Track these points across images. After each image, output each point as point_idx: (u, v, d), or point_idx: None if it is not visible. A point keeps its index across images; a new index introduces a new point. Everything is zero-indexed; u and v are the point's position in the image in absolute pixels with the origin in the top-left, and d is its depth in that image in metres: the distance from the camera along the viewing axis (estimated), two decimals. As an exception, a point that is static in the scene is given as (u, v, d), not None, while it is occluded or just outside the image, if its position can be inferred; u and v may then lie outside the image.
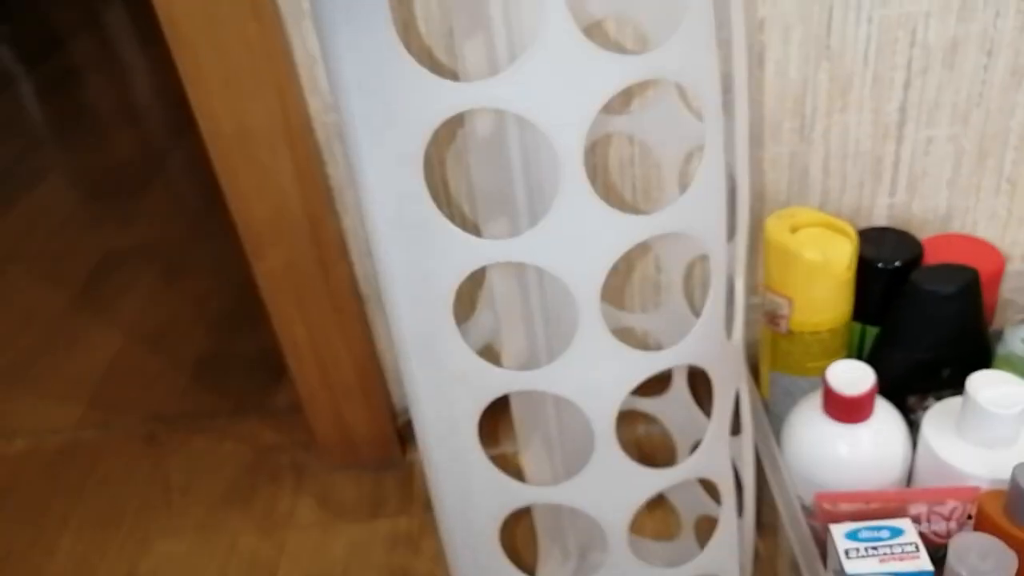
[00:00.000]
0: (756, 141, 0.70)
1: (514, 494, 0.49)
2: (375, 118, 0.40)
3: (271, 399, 0.99)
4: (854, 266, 0.61)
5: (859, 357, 0.63)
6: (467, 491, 0.50)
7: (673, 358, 0.47)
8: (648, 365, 0.46)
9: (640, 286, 0.79)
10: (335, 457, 0.87)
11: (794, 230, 0.62)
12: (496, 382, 0.45)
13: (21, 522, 0.88)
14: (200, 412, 0.99)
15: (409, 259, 0.44)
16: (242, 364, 1.05)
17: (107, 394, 1.05)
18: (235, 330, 1.12)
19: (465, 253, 0.41)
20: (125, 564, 0.82)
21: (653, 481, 0.48)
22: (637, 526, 0.76)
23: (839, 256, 0.60)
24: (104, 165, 1.63)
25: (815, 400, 0.59)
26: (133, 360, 1.10)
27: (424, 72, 0.38)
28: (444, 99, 0.38)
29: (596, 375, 0.44)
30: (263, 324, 0.80)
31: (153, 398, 1.03)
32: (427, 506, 0.82)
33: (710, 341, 0.48)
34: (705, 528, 0.66)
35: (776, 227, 0.62)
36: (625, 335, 0.68)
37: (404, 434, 0.87)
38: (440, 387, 0.47)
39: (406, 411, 0.87)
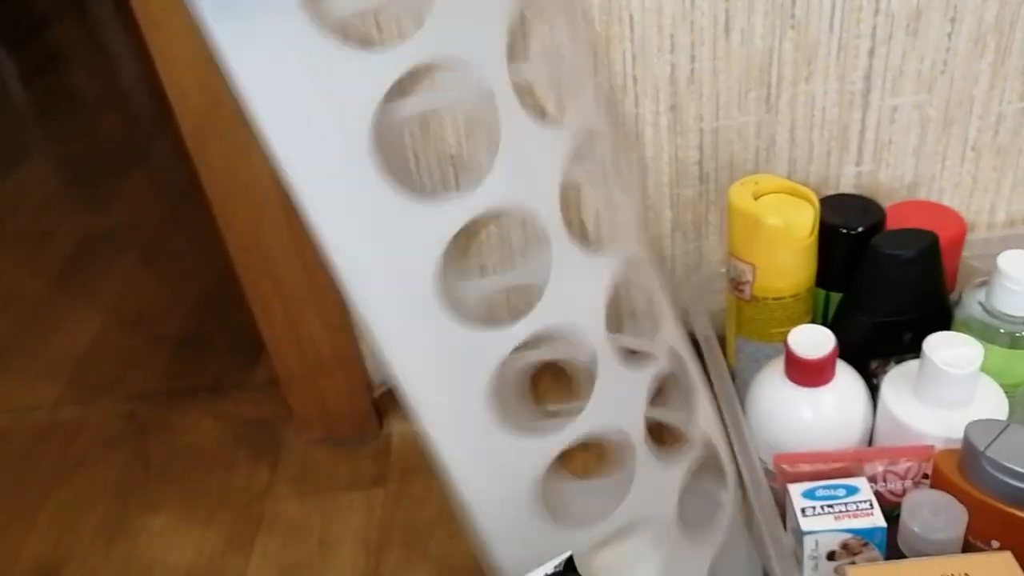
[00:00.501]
0: (724, 111, 0.71)
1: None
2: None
3: (249, 376, 0.99)
4: (816, 231, 0.61)
5: (824, 323, 0.64)
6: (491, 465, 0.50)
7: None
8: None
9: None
10: (313, 431, 0.88)
11: (757, 197, 0.62)
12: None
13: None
14: (179, 390, 0.99)
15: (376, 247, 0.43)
16: (221, 342, 1.06)
17: (87, 373, 1.05)
18: (214, 309, 1.12)
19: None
20: (103, 541, 0.82)
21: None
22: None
23: (801, 221, 0.61)
24: (86, 149, 1.62)
25: (778, 365, 0.60)
26: (113, 340, 1.10)
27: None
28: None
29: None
30: (241, 303, 0.80)
31: (133, 377, 1.03)
32: (404, 478, 0.83)
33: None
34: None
35: (739, 194, 0.62)
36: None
37: (381, 407, 0.87)
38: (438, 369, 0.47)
39: (382, 384, 0.87)
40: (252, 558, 0.78)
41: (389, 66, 0.37)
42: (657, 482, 0.55)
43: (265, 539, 0.80)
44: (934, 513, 0.48)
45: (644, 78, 0.69)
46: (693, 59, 0.68)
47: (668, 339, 0.55)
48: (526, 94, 0.53)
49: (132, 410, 0.98)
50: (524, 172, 0.44)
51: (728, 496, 0.59)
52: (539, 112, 0.52)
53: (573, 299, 0.49)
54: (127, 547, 0.81)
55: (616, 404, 0.51)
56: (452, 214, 0.43)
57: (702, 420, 0.57)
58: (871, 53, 0.68)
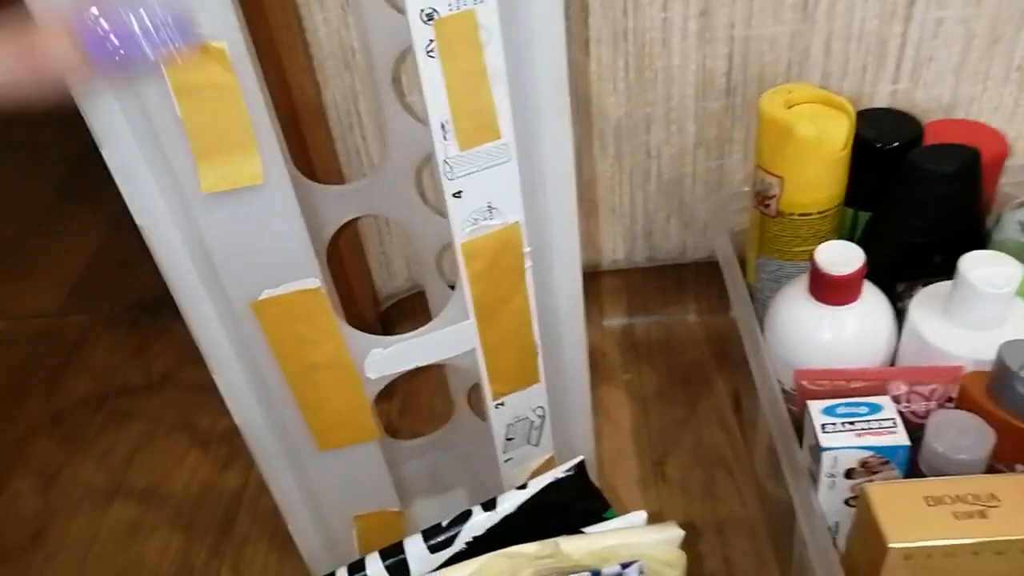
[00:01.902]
0: (758, 18, 0.67)
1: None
2: None
3: (254, 287, 0.98)
4: (849, 144, 0.58)
5: (850, 243, 0.61)
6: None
7: None
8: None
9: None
10: (317, 344, 0.86)
11: (790, 106, 0.59)
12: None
13: (0, 402, 0.87)
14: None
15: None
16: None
17: (91, 281, 1.04)
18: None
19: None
20: (103, 447, 0.82)
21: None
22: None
23: (835, 133, 0.58)
24: (90, 57, 1.58)
25: (802, 283, 0.57)
26: (117, 249, 1.08)
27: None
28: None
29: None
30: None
31: (137, 286, 1.01)
32: (410, 392, 0.82)
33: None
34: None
35: (771, 102, 0.59)
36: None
37: (387, 320, 0.86)
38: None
39: (389, 298, 0.86)
40: (252, 472, 0.77)
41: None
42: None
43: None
44: (960, 433, 0.46)
45: (675, -21, 0.65)
46: None
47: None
48: None
49: (135, 318, 0.96)
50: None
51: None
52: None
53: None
54: (128, 453, 0.81)
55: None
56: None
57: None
58: (919, -41, 0.64)
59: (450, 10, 0.37)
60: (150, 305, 0.98)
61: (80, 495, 0.77)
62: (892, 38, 0.68)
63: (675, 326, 0.84)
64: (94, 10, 0.28)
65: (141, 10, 0.29)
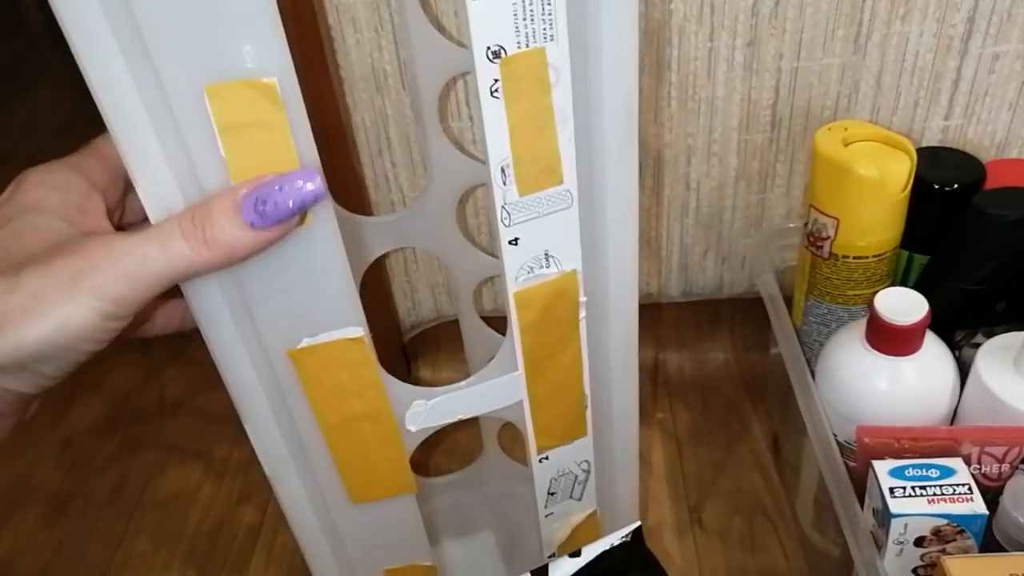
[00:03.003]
0: (807, 50, 0.64)
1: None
2: None
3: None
4: (910, 186, 0.56)
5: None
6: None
7: None
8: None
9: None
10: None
11: (847, 143, 0.56)
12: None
13: (9, 426, 0.85)
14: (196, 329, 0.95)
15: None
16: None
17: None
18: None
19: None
20: (114, 476, 0.79)
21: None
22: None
23: (896, 174, 0.55)
24: (103, 69, 1.56)
25: (856, 329, 0.55)
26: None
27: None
28: None
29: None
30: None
31: (149, 307, 0.99)
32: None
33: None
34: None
35: (827, 140, 0.56)
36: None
37: (410, 351, 0.83)
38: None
39: (413, 328, 0.83)
40: (269, 508, 0.75)
41: None
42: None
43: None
44: (1041, 502, 0.43)
45: (723, 8, 0.63)
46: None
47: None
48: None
49: (148, 340, 0.93)
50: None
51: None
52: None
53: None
54: (139, 483, 0.78)
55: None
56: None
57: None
58: (978, -8, 0.61)
59: (519, 48, 0.34)
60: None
61: (90, 528, 0.74)
62: (947, 73, 0.65)
63: (709, 363, 0.81)
64: (255, 192, 0.33)
65: (288, 184, 0.33)
